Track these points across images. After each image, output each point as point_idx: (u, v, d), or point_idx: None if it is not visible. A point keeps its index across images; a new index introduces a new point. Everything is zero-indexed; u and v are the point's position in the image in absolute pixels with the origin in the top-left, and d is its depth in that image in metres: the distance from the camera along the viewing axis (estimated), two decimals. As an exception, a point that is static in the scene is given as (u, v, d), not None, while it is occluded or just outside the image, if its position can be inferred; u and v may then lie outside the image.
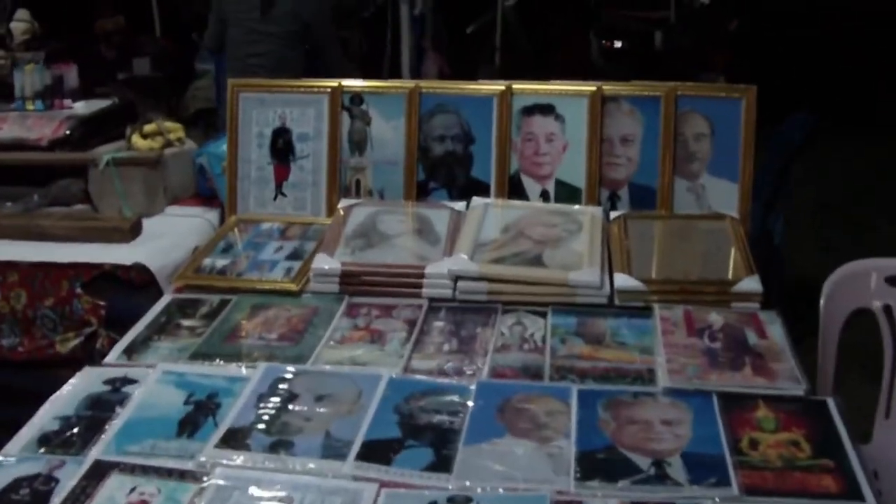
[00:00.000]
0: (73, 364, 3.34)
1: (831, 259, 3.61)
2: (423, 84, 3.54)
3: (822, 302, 3.36)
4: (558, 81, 3.51)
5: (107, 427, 2.38)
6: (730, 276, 2.96)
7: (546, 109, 3.44)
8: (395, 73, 8.71)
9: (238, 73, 5.82)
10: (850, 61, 11.83)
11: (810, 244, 7.28)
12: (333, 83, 3.55)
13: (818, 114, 6.41)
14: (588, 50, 11.91)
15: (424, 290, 3.00)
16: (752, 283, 2.90)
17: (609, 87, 3.43)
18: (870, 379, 3.52)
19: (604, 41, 11.99)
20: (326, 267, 3.04)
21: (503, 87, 3.45)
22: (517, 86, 3.47)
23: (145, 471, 2.22)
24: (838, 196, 8.78)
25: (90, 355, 3.55)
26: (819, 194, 8.44)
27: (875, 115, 11.13)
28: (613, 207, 3.41)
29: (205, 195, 4.21)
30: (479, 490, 2.13)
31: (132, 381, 2.58)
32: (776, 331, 2.74)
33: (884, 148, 10.03)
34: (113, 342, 3.31)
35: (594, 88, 3.41)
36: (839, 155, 9.43)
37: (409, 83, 3.53)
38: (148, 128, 4.21)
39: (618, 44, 12.00)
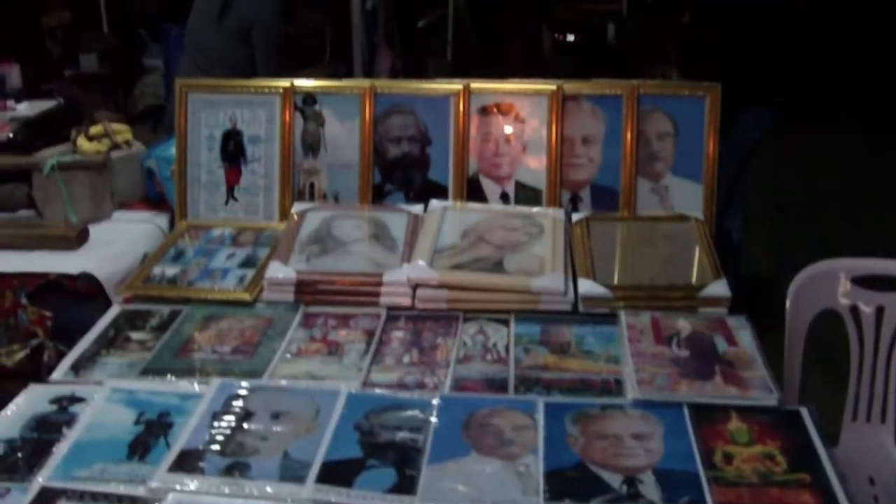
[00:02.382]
0: (19, 377, 3.24)
1: (790, 255, 3.57)
2: (378, 84, 3.45)
3: (788, 303, 3.31)
4: (517, 80, 3.43)
5: (54, 450, 2.28)
6: (697, 280, 2.90)
7: (505, 109, 3.36)
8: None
9: (186, 57, 5.75)
10: (805, 55, 11.87)
11: (768, 240, 7.26)
12: (285, 83, 3.45)
13: (773, 109, 6.37)
14: (540, 43, 11.86)
15: (382, 299, 2.92)
16: (719, 288, 2.84)
17: (570, 86, 3.36)
18: (833, 379, 3.47)
19: (556, 34, 11.95)
20: (280, 275, 2.94)
21: (461, 87, 3.37)
22: (475, 85, 3.39)
23: (95, 498, 2.12)
24: (796, 192, 8.77)
25: (37, 368, 3.44)
26: (776, 190, 8.42)
27: (829, 111, 11.17)
28: (575, 209, 3.34)
29: (153, 199, 4.10)
30: (444, 513, 2.05)
31: (80, 400, 2.48)
32: (745, 337, 2.69)
33: (838, 145, 10.05)
34: (60, 354, 3.21)
35: (554, 87, 3.34)
36: (795, 151, 9.43)
37: (364, 83, 3.45)
38: (94, 129, 4.09)
39: (570, 37, 11.96)
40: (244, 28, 5.61)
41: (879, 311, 3.29)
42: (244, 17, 5.60)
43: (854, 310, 3.32)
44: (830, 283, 3.33)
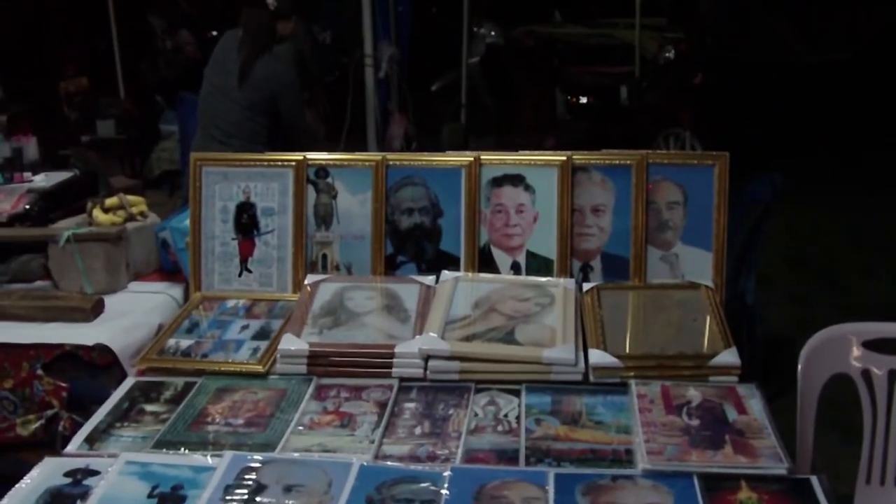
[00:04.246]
0: (34, 447, 3.27)
1: (806, 315, 3.58)
2: (390, 156, 3.49)
3: (799, 367, 3.31)
4: (527, 152, 3.45)
5: (68, 525, 2.30)
6: (706, 349, 2.91)
7: (516, 180, 3.40)
8: (359, 136, 8.67)
9: (201, 130, 5.80)
10: (816, 116, 11.92)
11: (784, 301, 7.26)
12: (298, 156, 3.49)
13: (785, 170, 6.39)
14: (554, 106, 11.93)
15: (395, 370, 2.93)
16: (729, 357, 2.85)
17: (579, 157, 3.38)
18: (850, 441, 3.47)
19: (569, 97, 12.02)
20: (293, 348, 2.97)
21: (471, 159, 3.41)
22: (486, 156, 3.42)
23: (108, 573, 2.14)
24: (810, 252, 8.79)
25: (52, 438, 3.47)
26: (790, 251, 8.44)
27: (839, 171, 11.21)
28: (586, 279, 3.36)
29: (168, 270, 4.14)
30: (455, 589, 2.06)
31: (94, 473, 2.50)
32: (755, 405, 2.69)
33: (849, 204, 10.07)
34: (75, 424, 3.23)
35: (564, 158, 3.37)
36: (807, 211, 9.45)
37: (376, 156, 3.48)
38: (109, 201, 4.13)
39: (583, 99, 12.03)
40: (263, 100, 5.68)
41: (892, 375, 3.30)
42: (263, 90, 5.67)
43: (866, 373, 3.33)
44: (842, 347, 3.34)
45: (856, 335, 3.36)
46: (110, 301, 3.84)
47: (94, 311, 3.72)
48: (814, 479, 2.40)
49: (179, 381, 2.99)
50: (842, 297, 7.32)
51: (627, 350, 2.93)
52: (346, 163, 3.49)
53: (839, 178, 10.99)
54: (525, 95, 11.64)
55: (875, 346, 3.33)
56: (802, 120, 11.89)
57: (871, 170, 11.24)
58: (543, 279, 3.31)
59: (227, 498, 2.35)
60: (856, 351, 3.33)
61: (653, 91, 11.30)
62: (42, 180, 4.66)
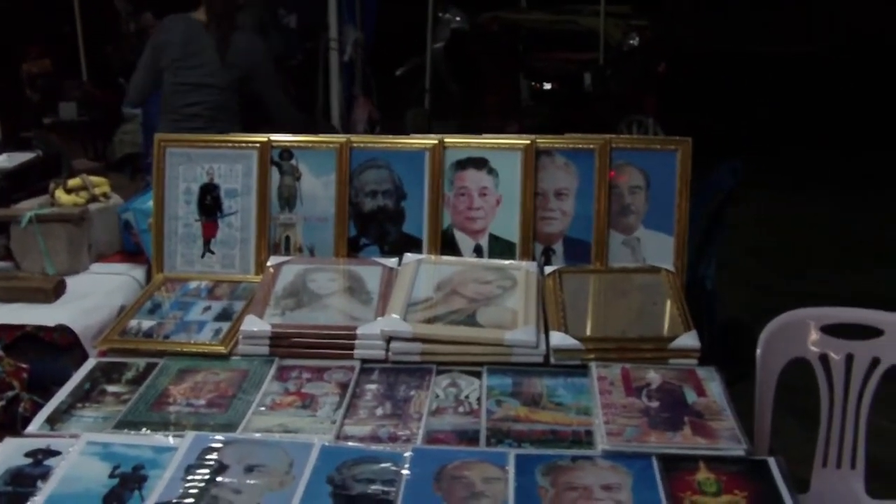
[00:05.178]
0: (-7, 428, 3.24)
1: (766, 302, 3.59)
2: (354, 139, 3.50)
3: (758, 352, 3.34)
4: (491, 135, 3.47)
5: (28, 504, 2.29)
6: (667, 332, 2.93)
7: (479, 163, 3.41)
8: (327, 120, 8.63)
9: (172, 123, 5.72)
10: (778, 107, 12.00)
11: (744, 287, 7.30)
12: (262, 138, 3.49)
13: (747, 159, 6.42)
14: (518, 92, 11.95)
15: (356, 352, 2.94)
16: (689, 340, 2.87)
17: (543, 141, 3.40)
18: (809, 426, 3.50)
19: (533, 83, 12.04)
20: (255, 329, 2.97)
21: (435, 142, 3.42)
22: (449, 140, 3.43)
23: (68, 552, 2.14)
24: (770, 240, 8.84)
25: (12, 419, 3.44)
26: (751, 239, 8.49)
27: (800, 162, 11.28)
28: (548, 262, 3.38)
29: (130, 251, 4.12)
30: (415, 567, 2.07)
31: (55, 453, 2.50)
32: (715, 388, 2.72)
33: (810, 195, 10.14)
34: (36, 406, 3.21)
35: (528, 142, 3.38)
36: (769, 200, 9.51)
37: (340, 138, 3.49)
38: (72, 182, 4.11)
39: (547, 85, 12.06)
40: (242, 78, 5.68)
41: (849, 359, 3.33)
42: (242, 68, 5.68)
43: (824, 358, 3.36)
44: (800, 332, 3.37)
45: (814, 320, 3.39)
46: (72, 282, 3.82)
47: (55, 292, 3.70)
48: (771, 461, 2.42)
49: (141, 362, 2.98)
50: (802, 287, 7.38)
51: (588, 332, 2.96)
52: (310, 145, 3.50)
53: (797, 170, 11.05)
54: (489, 81, 11.65)
55: (833, 331, 3.37)
56: (769, 111, 11.96)
57: (830, 163, 11.31)
58: (506, 262, 3.33)
59: (189, 478, 2.35)
60: (814, 335, 3.36)
61: (617, 78, 11.33)
62: (4, 161, 4.61)
